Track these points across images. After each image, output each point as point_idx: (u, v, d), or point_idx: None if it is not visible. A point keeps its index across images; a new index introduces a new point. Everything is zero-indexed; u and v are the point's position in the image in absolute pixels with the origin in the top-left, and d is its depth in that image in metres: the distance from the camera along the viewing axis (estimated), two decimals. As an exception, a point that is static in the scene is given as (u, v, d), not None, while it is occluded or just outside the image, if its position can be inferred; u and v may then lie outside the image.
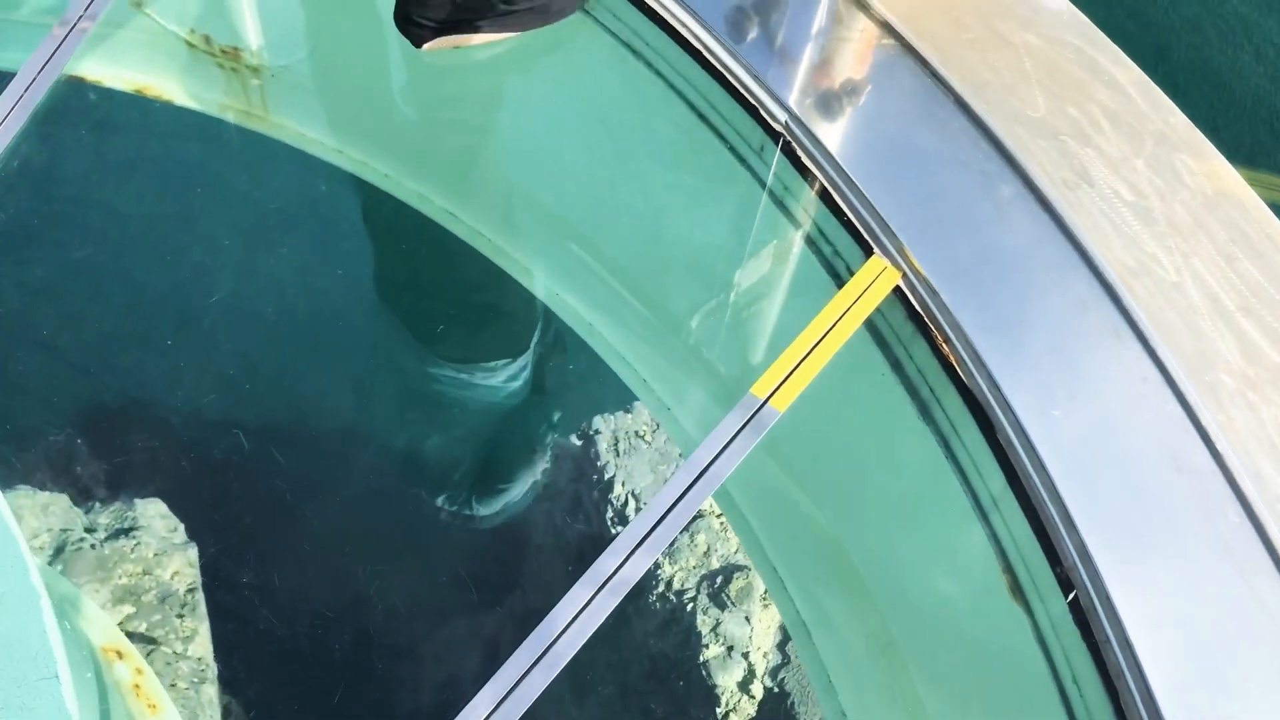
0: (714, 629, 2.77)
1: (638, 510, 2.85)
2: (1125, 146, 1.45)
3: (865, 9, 1.58)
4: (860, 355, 1.43)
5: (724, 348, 1.86)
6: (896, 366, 1.45)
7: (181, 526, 2.56)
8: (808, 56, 1.54)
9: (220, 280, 2.66)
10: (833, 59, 1.54)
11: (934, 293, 1.35)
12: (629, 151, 1.75)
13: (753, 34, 1.60)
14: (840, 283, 1.48)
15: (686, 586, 2.84)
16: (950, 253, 1.37)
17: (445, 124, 1.94)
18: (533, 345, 2.21)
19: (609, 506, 2.75)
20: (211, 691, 2.37)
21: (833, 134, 1.46)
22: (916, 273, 1.36)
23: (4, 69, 2.13)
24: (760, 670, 2.73)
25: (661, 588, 2.81)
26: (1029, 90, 1.50)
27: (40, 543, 2.49)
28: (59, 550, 2.50)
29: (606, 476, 2.73)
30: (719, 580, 2.86)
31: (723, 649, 2.70)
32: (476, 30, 1.51)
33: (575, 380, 2.61)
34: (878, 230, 1.40)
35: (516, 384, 2.22)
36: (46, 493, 2.52)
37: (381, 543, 2.40)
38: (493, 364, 2.14)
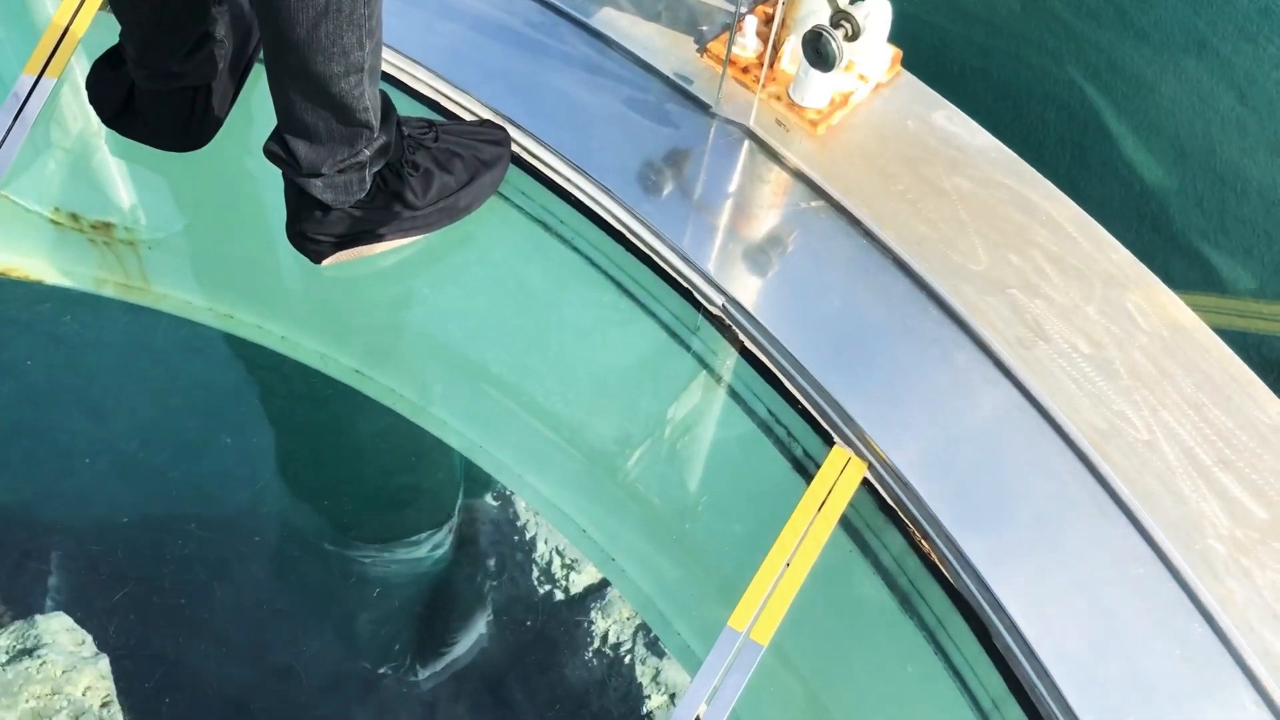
0: (654, 678, 2.72)
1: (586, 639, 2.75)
2: (1074, 293, 1.40)
3: (778, 161, 1.51)
4: (828, 542, 1.34)
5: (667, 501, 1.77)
6: (867, 553, 1.36)
7: (89, 638, 2.44)
8: (735, 226, 1.45)
9: (120, 443, 2.50)
10: (758, 220, 1.46)
11: (904, 483, 1.27)
12: (556, 331, 1.64)
13: (668, 189, 1.51)
14: (800, 469, 1.39)
15: (622, 639, 2.78)
16: (914, 435, 1.29)
17: (352, 317, 1.81)
18: (456, 510, 2.09)
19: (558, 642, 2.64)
20: None
21: (774, 314, 1.38)
22: (883, 461, 1.29)
23: None
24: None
25: (597, 643, 2.75)
26: (968, 241, 1.43)
27: None
28: None
29: (575, 622, 2.63)
30: (653, 630, 2.80)
31: (665, 698, 2.63)
32: (380, 239, 1.40)
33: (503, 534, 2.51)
34: (836, 418, 1.32)
35: (442, 550, 2.09)
36: None
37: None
38: (416, 538, 2.02)
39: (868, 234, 1.43)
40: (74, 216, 2.14)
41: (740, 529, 1.60)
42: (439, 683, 2.45)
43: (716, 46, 1.55)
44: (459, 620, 2.29)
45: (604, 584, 2.85)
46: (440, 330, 1.78)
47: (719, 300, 1.38)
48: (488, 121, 1.46)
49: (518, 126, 1.50)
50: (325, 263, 1.39)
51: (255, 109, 1.59)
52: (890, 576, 1.34)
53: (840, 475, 1.28)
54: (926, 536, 1.25)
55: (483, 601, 2.44)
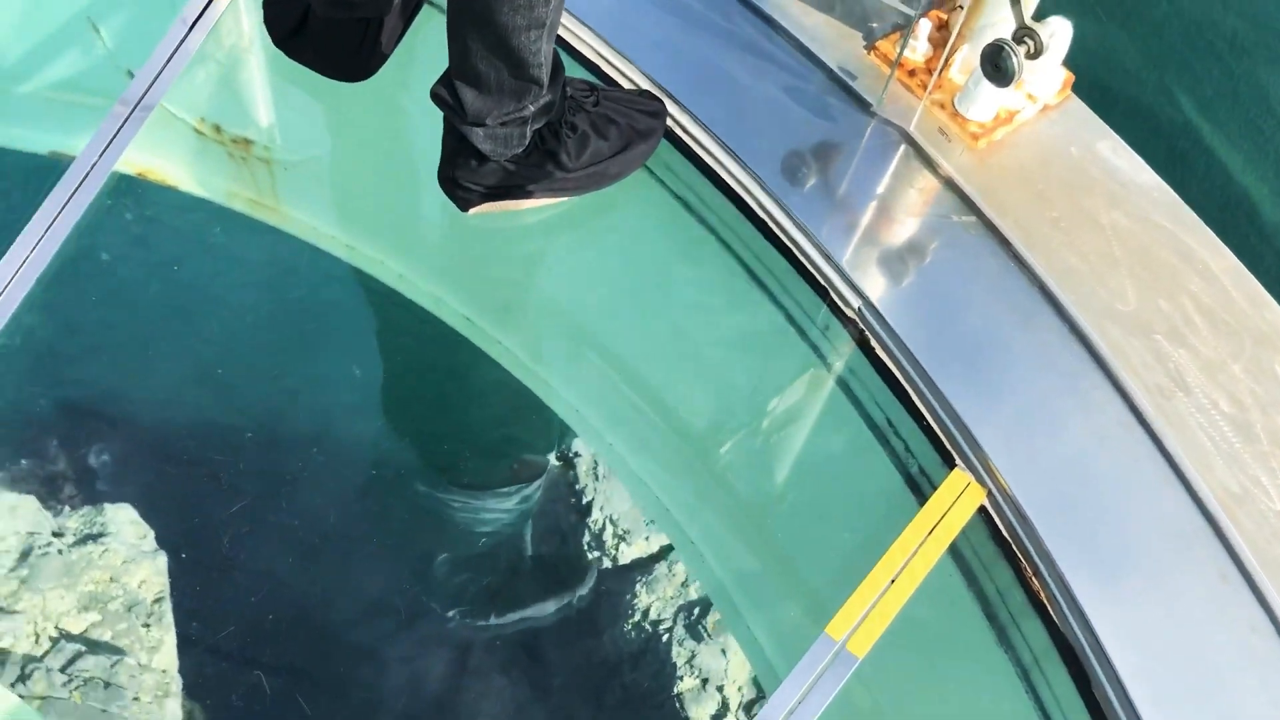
0: (689, 661, 2.72)
1: (649, 620, 2.76)
2: (1223, 348, 1.35)
3: (934, 169, 1.48)
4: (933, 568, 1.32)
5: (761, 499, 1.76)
6: (971, 581, 1.34)
7: (151, 534, 2.50)
8: (880, 229, 1.43)
9: (233, 356, 2.55)
10: (904, 226, 1.43)
11: (1022, 516, 1.24)
12: (680, 313, 1.64)
13: (815, 182, 1.49)
14: (912, 486, 1.37)
15: (663, 617, 2.78)
16: (1039, 470, 1.26)
17: (481, 266, 1.82)
18: (547, 469, 2.11)
19: (626, 622, 2.65)
20: (175, 706, 2.32)
21: (910, 323, 1.35)
22: (1003, 492, 1.26)
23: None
24: (734, 704, 2.67)
25: (638, 617, 2.76)
26: (1119, 280, 1.39)
27: (7, 546, 2.42)
28: (25, 554, 2.44)
29: (619, 592, 2.64)
30: (696, 612, 2.81)
31: (697, 681, 2.64)
32: (529, 195, 1.40)
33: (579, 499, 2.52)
34: (960, 440, 1.29)
35: (528, 505, 2.11)
36: (15, 494, 2.44)
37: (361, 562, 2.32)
38: (506, 489, 2.04)
39: (1016, 257, 1.39)
40: (217, 128, 2.18)
41: (836, 536, 1.58)
42: (479, 629, 2.48)
43: (885, 46, 1.52)
44: (527, 577, 2.31)
45: (652, 560, 2.86)
46: (562, 292, 1.78)
47: (855, 302, 1.36)
48: (646, 92, 1.45)
49: (674, 100, 1.49)
50: (472, 211, 1.40)
51: (418, 49, 1.60)
52: (991, 607, 1.31)
53: (957, 499, 1.26)
54: (1037, 573, 1.22)
55: (550, 562, 2.46)
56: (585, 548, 2.67)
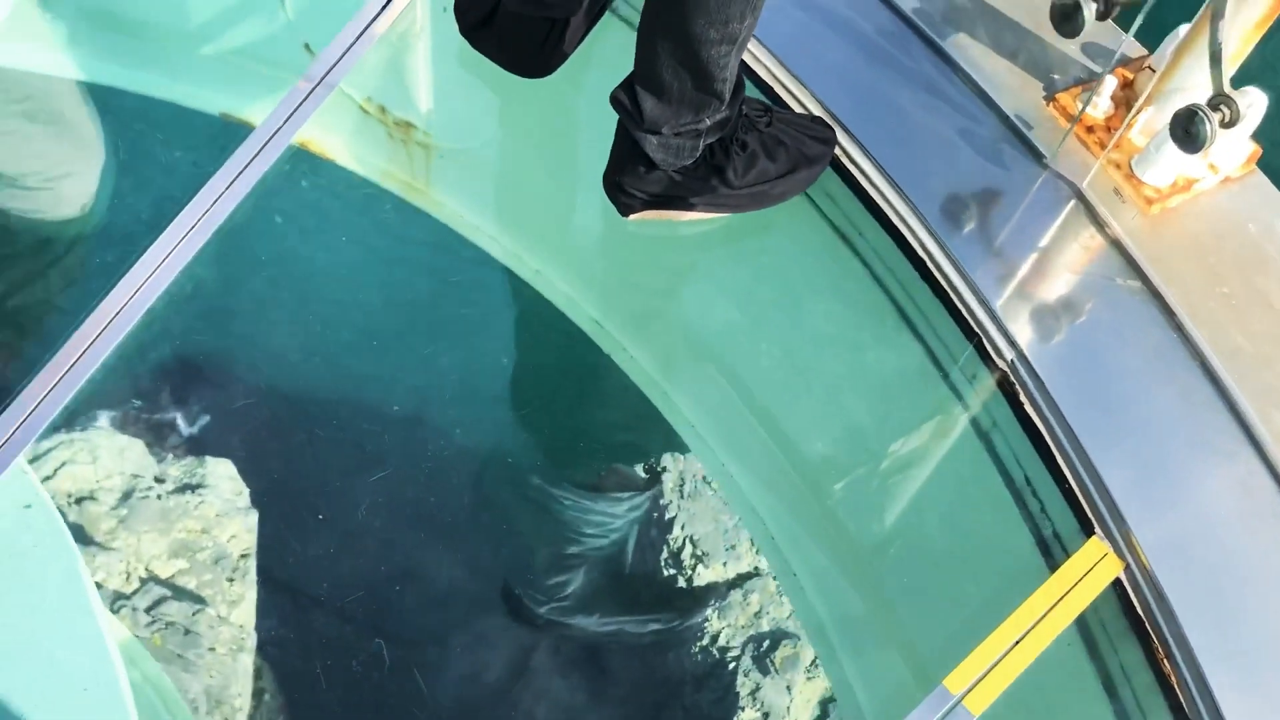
0: (753, 693, 2.68)
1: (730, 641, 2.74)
2: (1391, 451, 1.29)
3: (1103, 230, 1.44)
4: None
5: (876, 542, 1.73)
6: (1094, 653, 1.30)
7: (247, 491, 2.56)
8: (1040, 284, 1.40)
9: (367, 333, 2.60)
10: (1066, 284, 1.40)
11: (1160, 597, 1.20)
12: (820, 342, 1.62)
13: (979, 228, 1.47)
14: (1043, 548, 1.34)
15: (732, 645, 2.75)
16: (1184, 551, 1.22)
17: (625, 272, 1.84)
18: (655, 483, 2.11)
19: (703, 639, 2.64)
20: (248, 660, 2.37)
21: (1064, 383, 1.32)
22: (1143, 568, 1.22)
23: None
24: (792, 745, 2.63)
25: (706, 640, 2.74)
26: (1288, 366, 1.34)
27: (111, 484, 2.50)
28: (126, 495, 2.51)
29: (690, 614, 2.63)
30: (766, 644, 2.77)
31: (758, 715, 2.60)
32: (690, 208, 1.40)
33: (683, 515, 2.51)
34: (1102, 508, 1.26)
35: (636, 514, 2.11)
36: (125, 436, 2.51)
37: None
38: (619, 495, 2.04)
39: (1179, 329, 1.35)
40: (382, 109, 2.24)
41: (952, 588, 1.55)
42: (560, 628, 2.48)
43: (1065, 99, 1.49)
44: (622, 585, 2.31)
45: (728, 586, 2.83)
46: (702, 308, 1.79)
47: (1009, 353, 1.34)
48: (818, 118, 1.44)
49: (844, 128, 1.48)
50: (632, 217, 1.41)
51: (593, 51, 1.62)
52: (1113, 683, 1.27)
53: (1092, 569, 1.22)
54: (1169, 656, 1.18)
55: (643, 575, 2.46)
56: (664, 564, 2.67)
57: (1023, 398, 1.33)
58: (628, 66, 1.52)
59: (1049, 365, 1.32)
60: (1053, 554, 1.33)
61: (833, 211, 1.51)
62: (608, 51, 1.62)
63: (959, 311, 1.42)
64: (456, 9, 1.53)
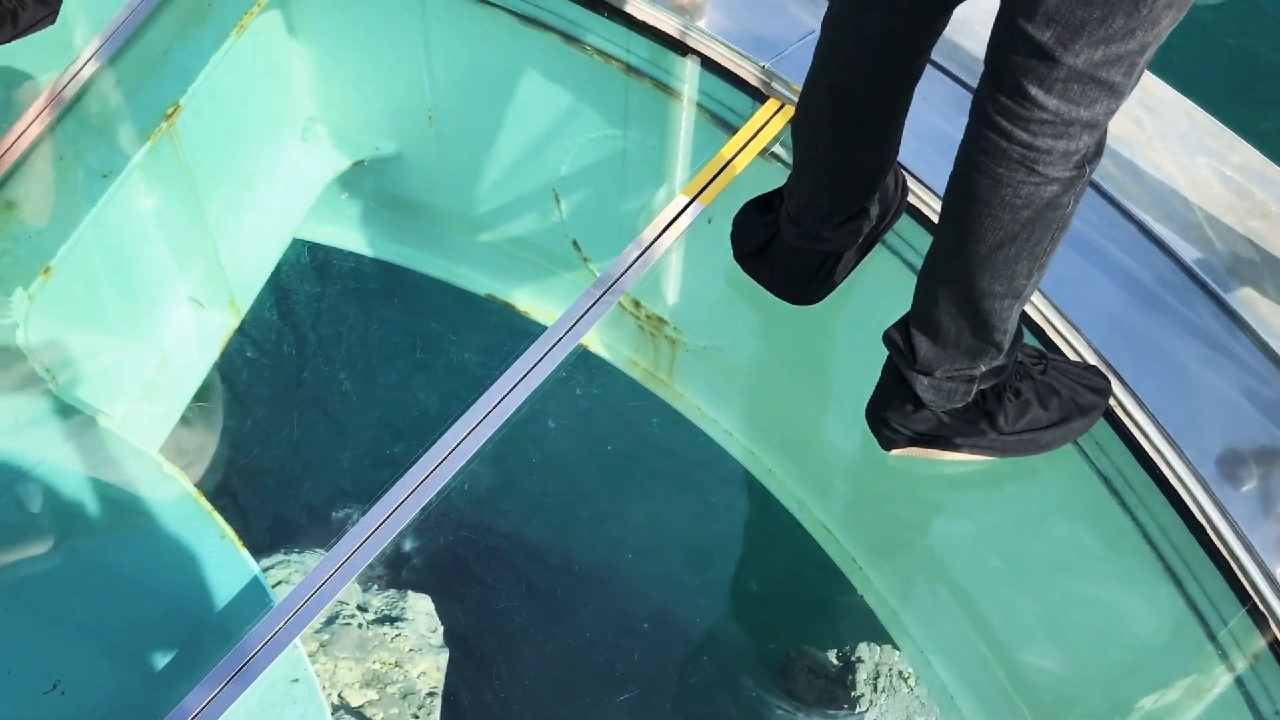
0: None
1: None
2: None
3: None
4: None
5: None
6: None
7: (441, 629, 2.58)
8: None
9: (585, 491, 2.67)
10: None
11: None
12: (1075, 596, 1.56)
13: (1252, 486, 1.39)
14: None
15: None
16: None
17: (869, 496, 1.83)
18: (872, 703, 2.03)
19: None
20: None
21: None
22: None
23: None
24: None
25: None
26: None
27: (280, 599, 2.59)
28: (330, 620, 2.58)
29: None
30: None
31: None
32: (955, 449, 1.40)
33: None
34: None
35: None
36: (296, 555, 2.59)
37: None
38: (834, 712, 1.98)
39: None
40: (636, 303, 2.35)
41: None
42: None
43: (1365, 365, 1.41)
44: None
45: None
46: (952, 547, 1.75)
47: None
48: (1093, 367, 1.42)
49: (1119, 378, 1.45)
50: (894, 453, 1.41)
51: (859, 281, 1.65)
52: None
53: None
54: None
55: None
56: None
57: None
58: (888, 295, 1.55)
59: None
60: None
61: (1102, 462, 1.47)
62: (870, 279, 1.65)
63: (1233, 573, 1.34)
64: (734, 237, 1.60)
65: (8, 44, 1.83)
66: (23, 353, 1.57)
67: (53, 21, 1.85)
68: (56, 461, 1.52)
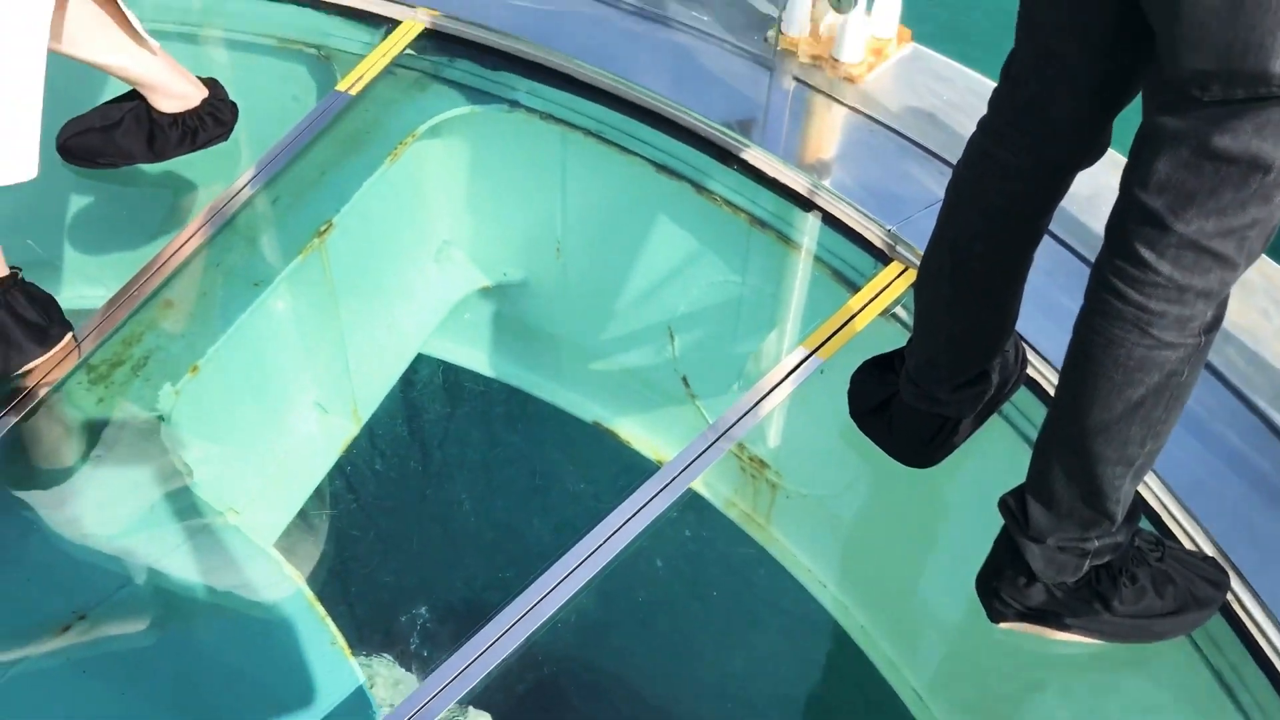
0: None
1: None
2: None
3: None
4: None
5: None
6: None
7: None
8: None
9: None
10: None
11: None
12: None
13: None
14: None
15: None
16: None
17: (976, 673, 1.80)
18: None
19: None
20: None
21: None
22: None
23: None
24: None
25: None
26: None
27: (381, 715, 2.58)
28: None
29: None
30: None
31: None
32: (1065, 628, 1.38)
33: None
34: None
35: None
36: (401, 669, 2.58)
37: None
38: None
39: None
40: (740, 445, 2.37)
41: None
42: None
43: None
44: None
45: None
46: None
47: None
48: (1212, 559, 1.40)
49: (1238, 572, 1.43)
50: (1002, 625, 1.40)
51: (972, 445, 1.66)
52: None
53: None
54: None
55: None
56: None
57: None
58: (1002, 465, 1.55)
59: None
60: None
61: (1216, 658, 1.43)
62: (984, 447, 1.66)
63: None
64: (851, 394, 1.63)
65: (183, 156, 1.99)
66: (165, 446, 1.66)
67: (225, 138, 2.00)
68: (183, 553, 1.59)
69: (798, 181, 1.97)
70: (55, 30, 1.63)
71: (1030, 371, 1.64)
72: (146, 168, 1.97)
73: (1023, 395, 1.65)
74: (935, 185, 1.88)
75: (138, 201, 2.07)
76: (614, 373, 2.60)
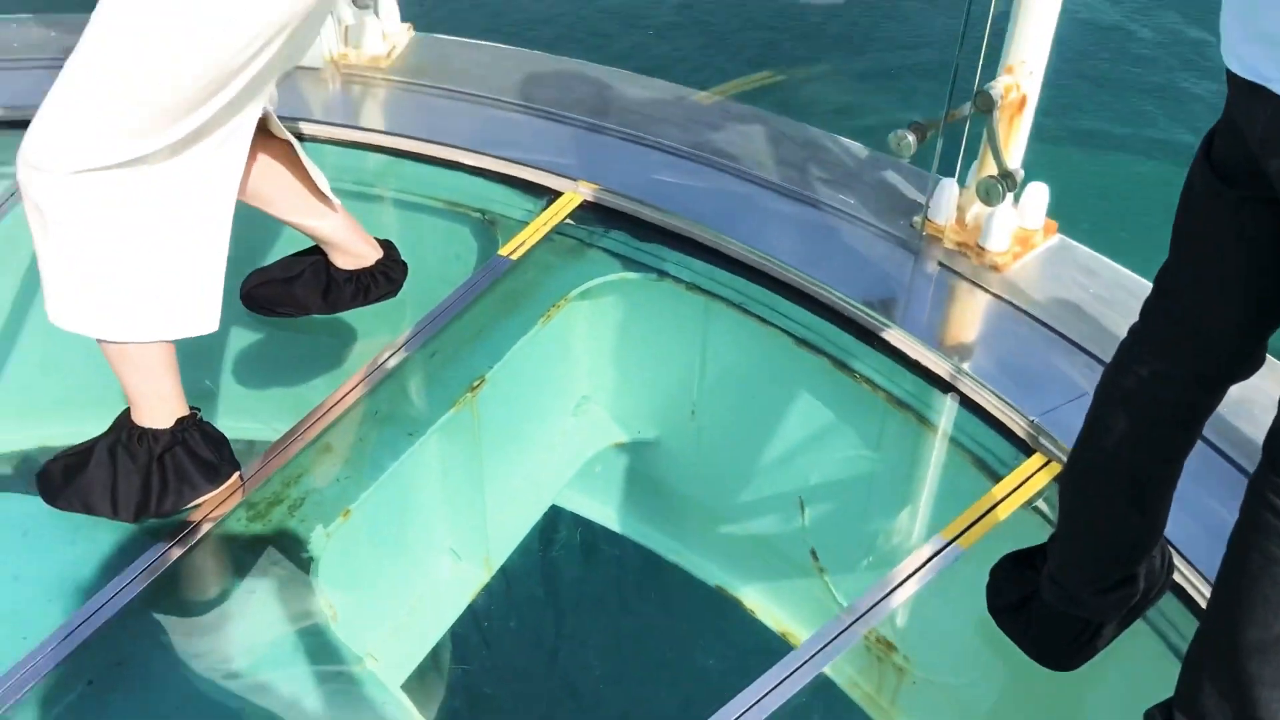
0: None
1: None
2: None
3: None
4: None
5: None
6: None
7: None
8: None
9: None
10: None
11: None
12: None
13: None
14: None
15: None
16: None
17: None
18: None
19: None
20: None
21: None
22: None
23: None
24: None
25: None
26: None
27: None
28: None
29: None
30: None
31: None
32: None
33: None
34: None
35: None
36: None
37: None
38: None
39: None
40: (879, 636, 2.33)
41: None
42: None
43: None
44: None
45: None
46: None
47: None
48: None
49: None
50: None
51: (1116, 652, 1.61)
52: None
53: None
54: None
55: None
56: None
57: None
58: (1145, 673, 1.50)
59: None
60: None
61: None
62: (1127, 652, 1.61)
63: None
64: (990, 588, 1.61)
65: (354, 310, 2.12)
66: (313, 588, 1.73)
67: (394, 295, 2.14)
68: (318, 697, 1.64)
69: (939, 365, 1.98)
70: (248, 189, 1.78)
71: (1176, 577, 1.60)
72: (319, 317, 2.10)
73: (1168, 601, 1.61)
74: (1080, 378, 1.88)
75: (307, 349, 2.21)
76: (740, 538, 2.61)
